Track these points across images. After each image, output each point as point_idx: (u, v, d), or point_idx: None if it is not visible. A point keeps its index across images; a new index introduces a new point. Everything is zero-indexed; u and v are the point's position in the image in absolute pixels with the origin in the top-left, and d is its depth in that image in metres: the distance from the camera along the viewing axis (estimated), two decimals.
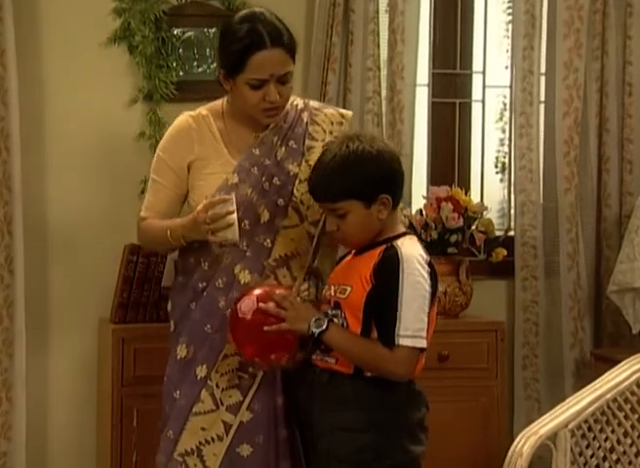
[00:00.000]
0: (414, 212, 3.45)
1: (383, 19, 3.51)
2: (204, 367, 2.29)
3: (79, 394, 3.31)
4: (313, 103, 2.44)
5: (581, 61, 3.56)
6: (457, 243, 3.36)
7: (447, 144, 3.71)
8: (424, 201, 3.46)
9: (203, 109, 2.41)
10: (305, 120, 2.37)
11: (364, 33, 3.44)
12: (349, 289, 2.12)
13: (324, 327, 2.07)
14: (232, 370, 2.28)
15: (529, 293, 3.59)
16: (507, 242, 3.59)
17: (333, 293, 2.16)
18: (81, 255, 3.31)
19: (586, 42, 3.57)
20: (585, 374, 3.51)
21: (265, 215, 2.32)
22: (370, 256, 2.10)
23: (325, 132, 2.38)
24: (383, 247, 2.10)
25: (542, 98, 3.63)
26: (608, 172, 3.62)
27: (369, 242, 2.14)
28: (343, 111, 2.46)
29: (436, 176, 3.67)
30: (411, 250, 2.08)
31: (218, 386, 2.28)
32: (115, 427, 2.96)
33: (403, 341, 2.03)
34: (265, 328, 2.09)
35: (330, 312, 2.14)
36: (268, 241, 2.32)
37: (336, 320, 2.11)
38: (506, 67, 3.74)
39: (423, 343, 2.07)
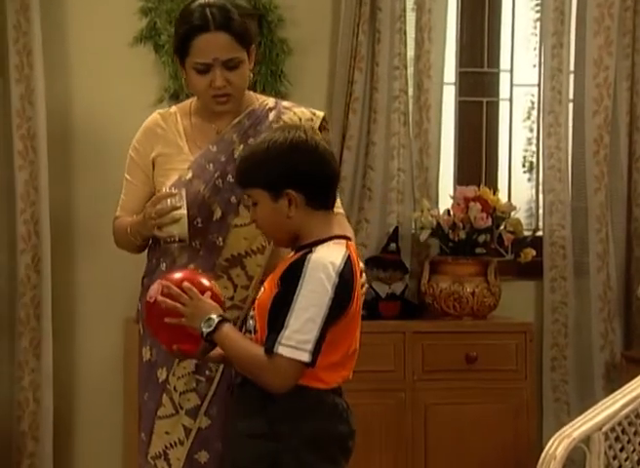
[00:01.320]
0: (441, 212, 3.41)
1: (410, 18, 3.49)
2: (164, 369, 2.27)
3: (106, 394, 3.31)
4: (285, 103, 2.39)
5: (612, 59, 3.52)
6: (485, 243, 3.33)
7: (474, 144, 3.69)
8: (452, 201, 3.43)
9: (173, 107, 2.42)
10: (271, 119, 2.33)
11: (391, 32, 3.42)
12: (263, 290, 2.04)
13: (212, 328, 1.95)
14: (189, 372, 2.25)
15: (558, 294, 3.55)
16: (535, 242, 3.56)
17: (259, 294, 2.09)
18: (107, 255, 3.29)
19: (617, 39, 3.52)
20: (616, 376, 3.47)
21: (218, 213, 2.28)
22: (289, 259, 2.01)
23: None
24: (305, 251, 1.98)
25: (571, 97, 3.60)
26: (639, 170, 3.58)
27: (287, 240, 2.03)
28: (316, 111, 2.40)
29: (463, 176, 3.64)
30: (323, 256, 1.93)
31: (176, 390, 2.26)
32: None
33: (282, 350, 1.89)
34: (166, 319, 1.99)
35: (250, 314, 2.06)
36: (220, 239, 2.28)
37: (251, 322, 2.03)
38: (534, 65, 3.70)
39: (305, 357, 1.89)
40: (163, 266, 2.32)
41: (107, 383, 3.31)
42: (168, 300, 1.99)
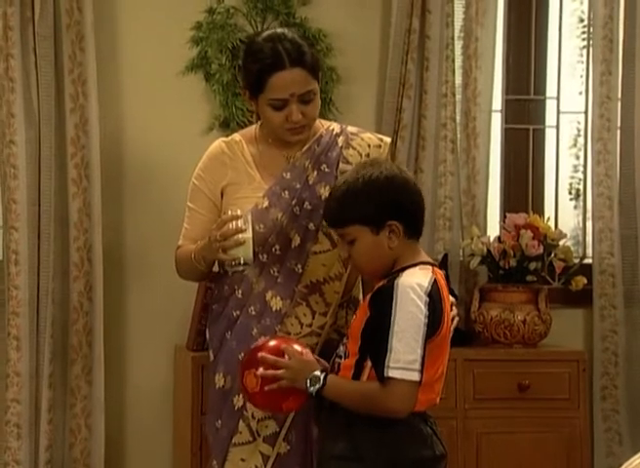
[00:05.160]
0: (491, 239, 3.40)
1: (458, 46, 3.50)
2: (240, 397, 2.26)
3: (156, 420, 3.31)
4: (351, 128, 2.40)
5: None
6: (535, 270, 3.31)
7: (520, 171, 3.68)
8: (498, 228, 3.42)
9: (237, 135, 2.42)
10: (340, 144, 2.35)
11: (439, 60, 3.43)
12: (355, 316, 2.10)
13: (320, 384, 2.02)
14: None
15: (607, 323, 3.52)
16: (584, 270, 3.53)
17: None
18: (158, 282, 3.32)
19: None
20: None
21: (296, 240, 2.29)
22: (377, 286, 2.06)
23: (361, 155, 2.34)
24: (391, 277, 2.03)
25: (618, 124, 3.59)
26: None
27: (384, 271, 2.07)
28: (383, 136, 2.42)
29: (510, 203, 3.63)
30: (410, 279, 2.00)
31: (253, 417, 2.26)
32: (195, 455, 2.95)
33: (392, 373, 1.94)
34: (266, 388, 2.05)
35: (343, 340, 2.11)
36: (299, 266, 2.29)
37: (342, 347, 2.08)
38: (580, 93, 3.70)
39: (415, 376, 1.95)
40: (239, 293, 2.32)
41: (158, 410, 3.31)
42: (269, 371, 2.04)
